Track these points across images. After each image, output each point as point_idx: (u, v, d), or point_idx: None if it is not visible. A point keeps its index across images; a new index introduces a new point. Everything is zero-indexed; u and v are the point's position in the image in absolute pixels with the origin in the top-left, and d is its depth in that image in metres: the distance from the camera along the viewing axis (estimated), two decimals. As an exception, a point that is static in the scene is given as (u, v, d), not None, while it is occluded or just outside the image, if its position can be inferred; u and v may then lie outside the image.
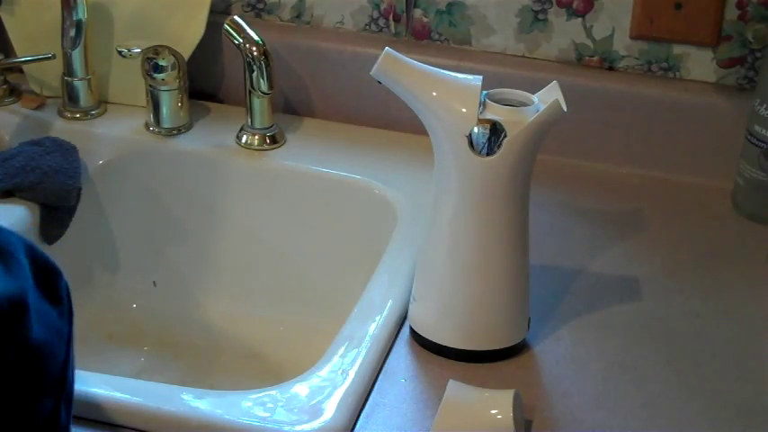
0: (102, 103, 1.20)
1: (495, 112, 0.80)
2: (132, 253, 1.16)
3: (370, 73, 0.80)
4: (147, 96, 1.15)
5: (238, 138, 1.14)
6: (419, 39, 1.18)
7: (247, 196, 1.13)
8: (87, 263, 1.13)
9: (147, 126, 1.16)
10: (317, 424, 0.76)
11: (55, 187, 1.03)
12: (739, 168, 1.06)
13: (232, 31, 1.09)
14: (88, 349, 1.08)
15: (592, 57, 1.14)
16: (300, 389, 0.80)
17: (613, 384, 0.84)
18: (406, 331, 0.88)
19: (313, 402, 0.79)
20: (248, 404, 0.79)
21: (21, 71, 1.22)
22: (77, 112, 1.18)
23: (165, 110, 1.15)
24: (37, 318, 0.57)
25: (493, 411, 0.75)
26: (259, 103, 1.13)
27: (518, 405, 0.76)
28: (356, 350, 0.84)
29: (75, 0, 1.13)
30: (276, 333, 1.12)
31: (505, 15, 1.14)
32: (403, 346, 0.87)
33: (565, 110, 0.78)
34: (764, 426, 0.81)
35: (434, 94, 0.79)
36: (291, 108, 1.22)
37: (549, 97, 0.80)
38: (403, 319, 0.89)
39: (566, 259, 0.99)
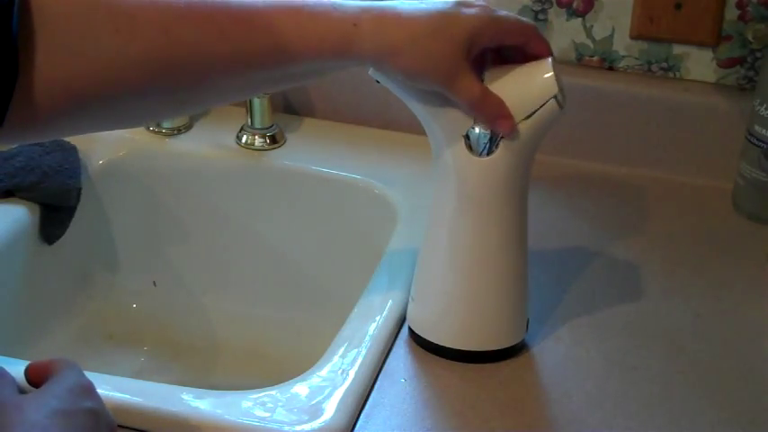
0: (102, 103, 1.20)
1: (495, 112, 0.80)
2: (132, 253, 1.16)
3: (369, 72, 0.80)
4: (147, 96, 1.15)
5: (238, 138, 1.14)
6: (419, 39, 1.18)
7: (247, 196, 1.13)
8: (87, 263, 1.13)
9: (147, 126, 1.16)
10: (316, 424, 0.76)
11: (55, 187, 1.03)
12: (739, 168, 1.06)
13: (232, 31, 1.08)
14: (88, 349, 1.08)
15: (592, 57, 1.14)
16: (300, 389, 0.80)
17: (613, 384, 0.84)
18: (405, 331, 0.88)
19: (313, 402, 0.79)
20: (248, 404, 0.78)
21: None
22: (77, 112, 1.18)
23: (165, 110, 1.15)
24: None
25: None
26: (259, 103, 1.13)
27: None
28: (356, 350, 0.84)
29: (75, 0, 1.13)
30: (276, 333, 1.12)
31: (505, 15, 1.14)
32: (402, 347, 0.87)
33: (562, 109, 0.78)
34: (764, 426, 0.80)
35: (432, 93, 0.79)
36: (291, 108, 1.22)
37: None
38: (403, 319, 0.89)
39: (566, 259, 0.99)
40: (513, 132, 0.77)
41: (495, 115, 0.76)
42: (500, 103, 0.76)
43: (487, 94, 0.76)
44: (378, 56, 0.74)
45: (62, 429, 0.62)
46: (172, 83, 0.71)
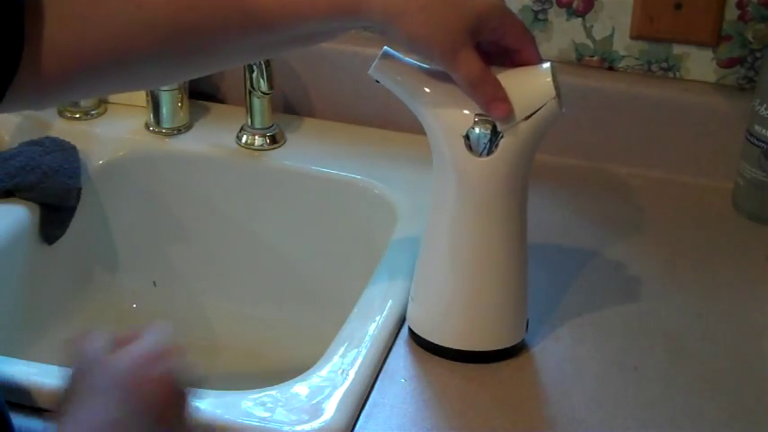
0: (102, 103, 1.20)
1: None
2: (132, 253, 1.16)
3: (368, 72, 0.80)
4: (146, 96, 1.15)
5: (238, 138, 1.14)
6: (419, 39, 1.18)
7: (247, 196, 1.13)
8: (87, 263, 1.13)
9: (147, 126, 1.16)
10: (316, 424, 0.76)
11: (55, 187, 1.03)
12: (739, 168, 1.06)
13: (232, 31, 1.08)
14: (88, 349, 1.08)
15: (592, 57, 1.14)
16: (300, 389, 0.80)
17: (613, 384, 0.84)
18: (405, 331, 0.88)
19: (313, 402, 0.79)
20: (248, 404, 0.79)
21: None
22: (77, 112, 1.18)
23: (165, 110, 1.15)
24: None
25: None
26: (259, 103, 1.13)
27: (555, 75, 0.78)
28: (356, 350, 0.84)
29: (75, 0, 1.13)
30: (276, 333, 1.12)
31: (505, 15, 1.14)
32: (402, 347, 0.87)
33: (561, 110, 0.78)
34: (764, 426, 0.81)
35: (432, 93, 0.79)
36: (291, 108, 1.22)
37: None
38: (403, 319, 0.89)
39: (566, 259, 0.99)
40: (507, 118, 0.76)
41: (491, 97, 0.76)
42: (499, 86, 0.76)
43: (487, 75, 0.75)
44: (386, 18, 0.73)
45: (119, 401, 0.61)
46: (182, 47, 0.71)
